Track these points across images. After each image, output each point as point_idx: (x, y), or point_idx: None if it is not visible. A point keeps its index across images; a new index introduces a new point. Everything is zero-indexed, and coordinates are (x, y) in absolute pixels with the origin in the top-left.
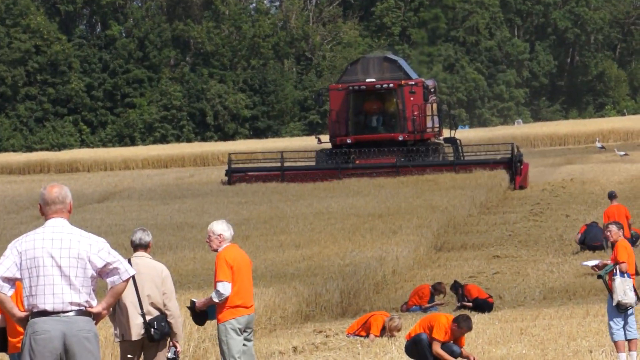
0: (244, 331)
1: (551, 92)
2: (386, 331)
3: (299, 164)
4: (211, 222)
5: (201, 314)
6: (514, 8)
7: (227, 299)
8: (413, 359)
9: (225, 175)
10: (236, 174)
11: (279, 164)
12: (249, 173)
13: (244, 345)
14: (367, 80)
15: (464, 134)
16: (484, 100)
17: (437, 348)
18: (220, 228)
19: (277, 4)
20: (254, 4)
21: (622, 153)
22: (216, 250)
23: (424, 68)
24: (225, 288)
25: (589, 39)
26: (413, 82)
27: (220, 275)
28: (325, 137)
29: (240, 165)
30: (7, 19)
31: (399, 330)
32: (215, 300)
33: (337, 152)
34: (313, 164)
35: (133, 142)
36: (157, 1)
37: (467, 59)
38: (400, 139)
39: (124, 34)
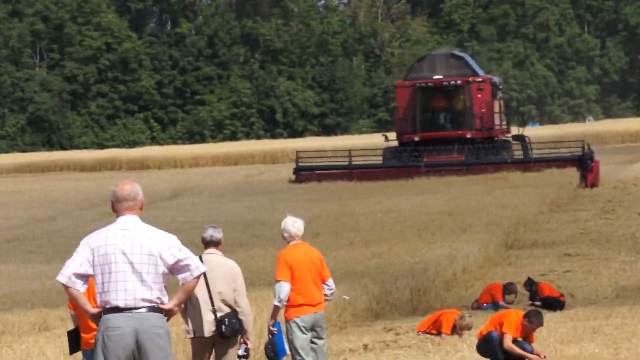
0: (312, 330)
1: (622, 89)
2: (457, 329)
3: (366, 162)
4: (282, 219)
5: (271, 347)
6: (584, 4)
7: (290, 298)
8: (484, 357)
9: (294, 173)
10: (304, 172)
11: (346, 162)
12: (317, 172)
13: (313, 343)
14: (435, 77)
15: (533, 131)
16: (554, 97)
17: (508, 342)
18: (288, 224)
19: (346, 1)
20: (322, 1)
21: None
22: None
23: (493, 65)
24: (280, 288)
25: None
26: (480, 79)
27: (278, 275)
28: (392, 135)
29: (308, 164)
30: (79, 17)
31: (469, 328)
32: (277, 303)
33: (404, 150)
34: (380, 162)
35: (203, 139)
36: None
37: (537, 55)
38: (468, 136)
39: (193, 32)
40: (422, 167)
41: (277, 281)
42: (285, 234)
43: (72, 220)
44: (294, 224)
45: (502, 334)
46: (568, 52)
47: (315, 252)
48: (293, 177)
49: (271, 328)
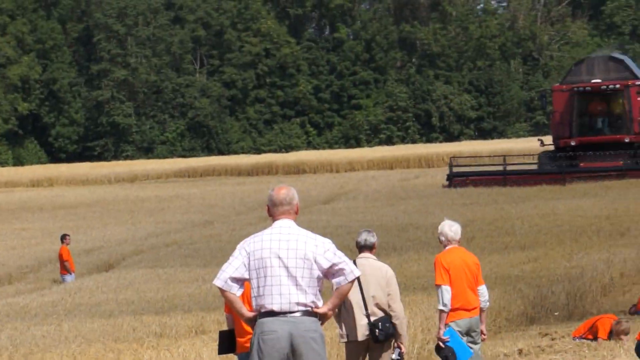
0: (468, 334)
1: None
2: (614, 335)
3: (521, 167)
4: (436, 223)
5: (452, 355)
6: None
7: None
8: None
9: (447, 179)
10: (457, 178)
11: (501, 168)
12: (470, 177)
13: (469, 347)
14: (593, 80)
15: None
16: None
17: None
18: (445, 228)
19: (505, 4)
20: (481, 5)
21: None
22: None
23: None
24: (442, 292)
25: None
26: None
27: (437, 279)
28: (548, 139)
29: (462, 169)
30: (239, 24)
31: (627, 333)
32: (442, 307)
33: (560, 155)
34: (535, 166)
35: (358, 144)
36: (385, 3)
37: None
38: (626, 140)
39: (351, 36)
40: (577, 172)
41: (438, 286)
42: (442, 238)
43: (229, 225)
44: (450, 228)
45: None
46: None
47: (472, 256)
48: (446, 183)
49: (442, 337)
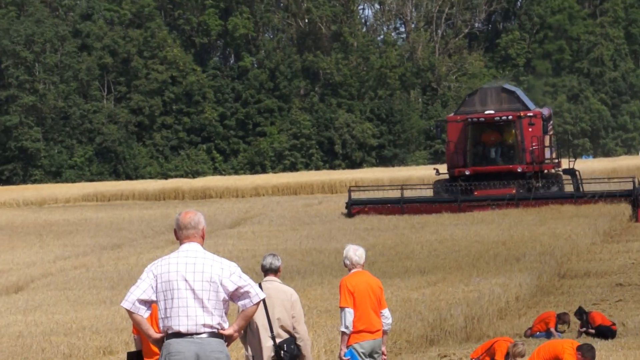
0: (371, 356)
1: None
2: (510, 357)
3: (418, 194)
4: (339, 247)
5: None
6: (638, 39)
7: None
8: None
9: (346, 207)
10: (356, 206)
11: (398, 195)
12: (369, 205)
13: None
14: (486, 111)
15: (587, 163)
16: (608, 130)
17: None
18: (351, 252)
19: (404, 36)
20: (381, 36)
21: None
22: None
23: (548, 98)
24: (345, 315)
25: None
26: (532, 114)
27: (342, 302)
28: (443, 168)
29: (361, 196)
30: (145, 51)
31: (522, 356)
32: (343, 329)
33: (454, 184)
34: (431, 194)
35: (264, 170)
36: (288, 33)
37: (591, 89)
38: (519, 170)
39: (255, 65)
40: (471, 200)
41: (341, 308)
42: (347, 262)
43: (136, 248)
44: (355, 252)
45: None
46: (622, 86)
47: (376, 280)
48: (345, 211)
49: (343, 358)
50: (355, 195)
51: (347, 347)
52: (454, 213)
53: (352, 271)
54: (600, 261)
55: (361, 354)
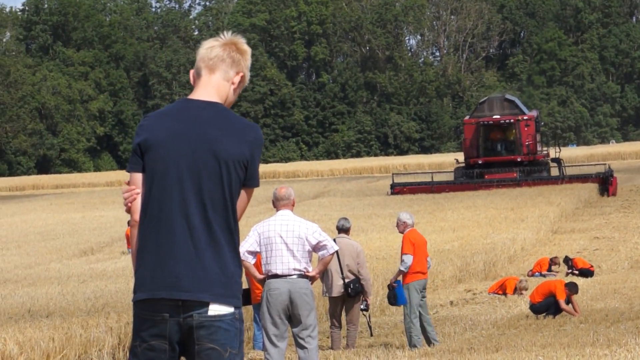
0: (421, 291)
1: (636, 120)
2: (517, 290)
3: (443, 179)
4: (397, 213)
5: (393, 297)
6: (609, 60)
7: (410, 267)
8: (539, 314)
9: (390, 188)
10: (397, 187)
11: (429, 179)
12: (407, 187)
13: (421, 300)
14: (494, 116)
15: (572, 151)
16: (588, 126)
17: (563, 305)
18: (405, 217)
19: (439, 58)
20: (422, 59)
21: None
22: (402, 233)
23: (543, 103)
24: (409, 259)
25: None
26: (527, 117)
27: (405, 249)
28: (461, 158)
29: (402, 180)
30: (251, 71)
31: (526, 289)
32: (402, 269)
33: (471, 170)
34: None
35: (337, 157)
36: (354, 57)
37: (575, 97)
38: (518, 159)
39: (331, 81)
40: (485, 182)
41: (405, 254)
42: (404, 222)
43: (245, 213)
44: (411, 216)
45: (558, 300)
46: (597, 94)
47: (423, 236)
48: (389, 191)
49: (393, 284)
50: (397, 178)
51: (404, 284)
52: (470, 191)
53: (408, 229)
54: (583, 221)
55: (417, 289)
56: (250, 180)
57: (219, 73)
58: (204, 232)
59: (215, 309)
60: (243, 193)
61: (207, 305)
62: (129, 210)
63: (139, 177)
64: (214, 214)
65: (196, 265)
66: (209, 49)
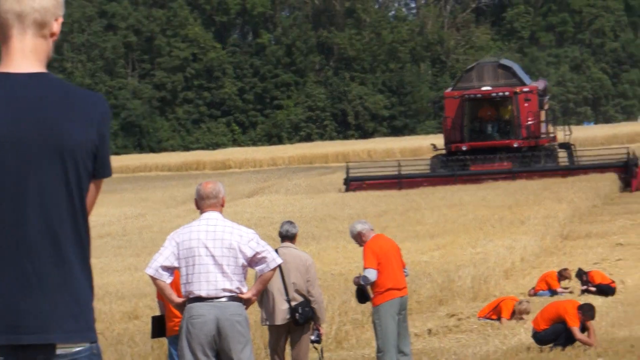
0: (399, 313)
1: None
2: (516, 314)
3: (414, 171)
4: (354, 214)
5: (364, 296)
6: (638, 11)
7: (376, 283)
8: (545, 344)
9: (344, 184)
10: (354, 182)
11: (396, 172)
12: (367, 182)
13: (402, 324)
14: (483, 88)
15: (588, 130)
16: (609, 98)
17: (576, 334)
18: (358, 227)
19: (415, 11)
20: (393, 12)
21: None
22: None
23: (551, 69)
24: (371, 274)
25: None
26: (528, 89)
27: (366, 263)
28: (441, 143)
29: (360, 173)
30: (168, 30)
31: (527, 313)
32: (363, 283)
33: (451, 159)
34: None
35: (280, 141)
36: (304, 11)
37: (592, 59)
38: (515, 145)
39: (273, 42)
40: (467, 175)
41: (365, 268)
42: (361, 231)
43: (159, 217)
44: (363, 223)
45: (569, 327)
46: (622, 56)
47: (393, 241)
48: (343, 187)
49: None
50: (353, 172)
51: (375, 305)
52: (455, 186)
53: (371, 236)
54: (601, 223)
55: (390, 314)
56: (101, 170)
57: (32, 28)
58: (48, 249)
59: (66, 347)
60: (92, 186)
61: (54, 347)
62: None
63: None
64: (59, 223)
65: (39, 296)
66: None
